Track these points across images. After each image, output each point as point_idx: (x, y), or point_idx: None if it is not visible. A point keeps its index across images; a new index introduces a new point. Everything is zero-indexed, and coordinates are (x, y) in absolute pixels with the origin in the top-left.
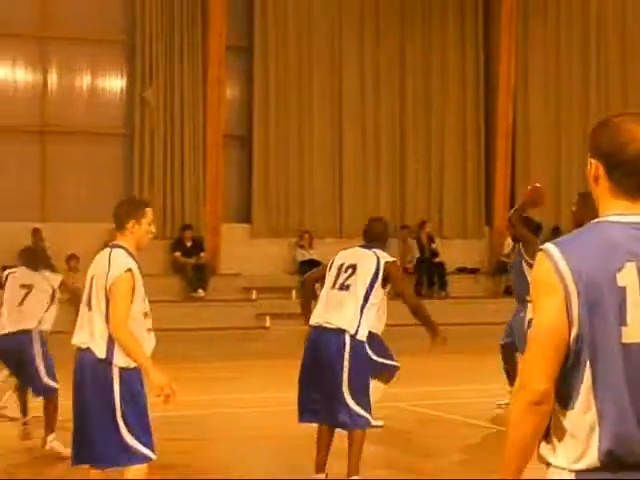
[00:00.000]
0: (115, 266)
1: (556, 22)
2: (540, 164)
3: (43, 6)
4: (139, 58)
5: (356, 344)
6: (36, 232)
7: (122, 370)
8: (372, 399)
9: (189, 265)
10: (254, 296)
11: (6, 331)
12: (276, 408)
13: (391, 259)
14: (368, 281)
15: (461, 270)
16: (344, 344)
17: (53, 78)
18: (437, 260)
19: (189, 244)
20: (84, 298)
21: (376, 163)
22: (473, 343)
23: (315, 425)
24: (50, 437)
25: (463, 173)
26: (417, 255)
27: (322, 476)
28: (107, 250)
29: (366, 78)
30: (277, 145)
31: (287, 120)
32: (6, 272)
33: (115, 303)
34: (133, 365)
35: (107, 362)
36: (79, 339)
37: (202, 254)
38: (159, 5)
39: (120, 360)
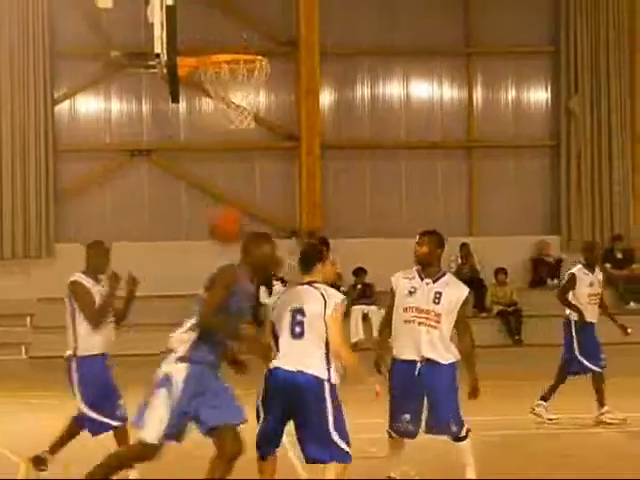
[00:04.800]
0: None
1: None
2: None
3: (467, 23)
4: (564, 67)
5: None
6: (464, 247)
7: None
8: None
9: (620, 277)
10: None
11: None
12: None
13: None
14: None
15: None
16: None
17: (478, 93)
18: None
19: (619, 256)
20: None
21: None
22: None
23: None
24: None
25: None
26: None
27: None
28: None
29: None
30: None
31: None
32: None
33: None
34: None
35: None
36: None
37: (633, 266)
38: (584, 11)
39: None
